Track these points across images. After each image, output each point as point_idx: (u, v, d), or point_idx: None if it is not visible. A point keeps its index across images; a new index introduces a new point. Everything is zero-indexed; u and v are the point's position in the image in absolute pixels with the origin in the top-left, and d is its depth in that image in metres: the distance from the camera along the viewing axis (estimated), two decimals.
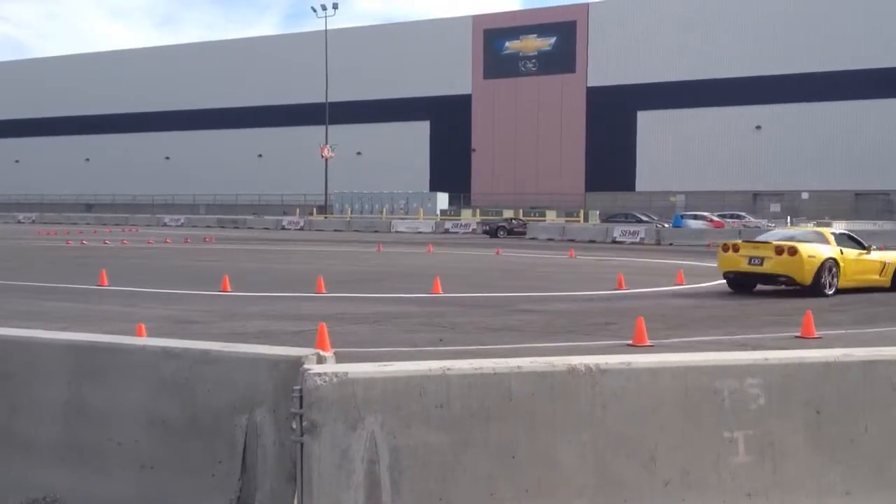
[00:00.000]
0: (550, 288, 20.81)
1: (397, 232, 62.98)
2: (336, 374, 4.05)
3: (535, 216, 65.86)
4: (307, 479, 4.04)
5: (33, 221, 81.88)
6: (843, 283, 18.87)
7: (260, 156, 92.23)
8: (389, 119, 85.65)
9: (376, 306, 16.56)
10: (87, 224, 76.67)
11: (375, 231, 62.88)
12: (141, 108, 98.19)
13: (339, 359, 4.54)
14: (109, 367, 4.87)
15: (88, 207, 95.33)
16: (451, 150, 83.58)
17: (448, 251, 38.49)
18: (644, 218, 56.68)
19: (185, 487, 4.59)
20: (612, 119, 76.50)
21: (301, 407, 4.05)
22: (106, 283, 19.75)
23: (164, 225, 75.29)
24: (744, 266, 19.17)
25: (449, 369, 4.15)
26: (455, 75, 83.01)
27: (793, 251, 18.44)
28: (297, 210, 78.44)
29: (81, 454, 4.89)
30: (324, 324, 11.10)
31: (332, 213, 76.51)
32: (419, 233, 61.92)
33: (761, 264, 18.83)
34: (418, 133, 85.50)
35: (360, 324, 13.93)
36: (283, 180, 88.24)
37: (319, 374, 4.05)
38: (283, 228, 68.34)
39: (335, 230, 65.09)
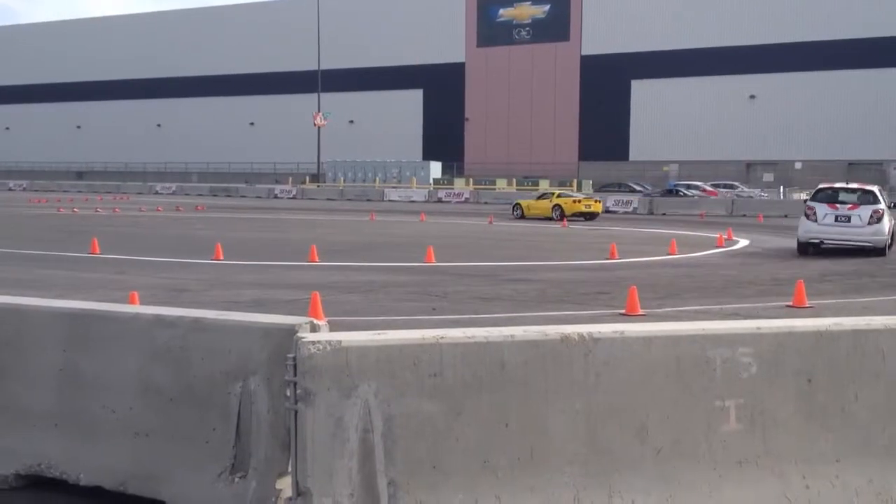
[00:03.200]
0: (543, 257, 20.83)
1: (390, 201, 62.85)
2: (330, 343, 4.06)
3: (528, 185, 65.73)
4: (301, 446, 4.06)
5: (24, 189, 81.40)
6: None
7: (252, 124, 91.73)
8: (382, 87, 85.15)
9: (369, 275, 16.57)
10: (79, 192, 76.26)
11: (368, 200, 62.73)
12: (132, 74, 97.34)
13: (333, 328, 4.54)
14: (103, 334, 4.88)
15: (80, 175, 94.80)
16: (444, 119, 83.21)
17: (441, 220, 38.46)
18: (637, 187, 56.64)
19: (179, 455, 4.62)
20: (606, 88, 76.17)
21: (295, 375, 4.06)
22: (98, 252, 19.70)
23: (156, 193, 74.90)
24: None
25: (442, 338, 4.16)
26: (448, 43, 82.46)
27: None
28: (290, 179, 78.13)
29: (75, 422, 4.90)
30: (317, 293, 11.11)
31: (324, 182, 76.24)
32: (412, 202, 61.81)
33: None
34: (411, 101, 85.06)
35: (353, 293, 13.95)
36: (276, 149, 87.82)
37: (313, 343, 4.05)
38: (276, 197, 68.09)
39: (328, 199, 64.91)
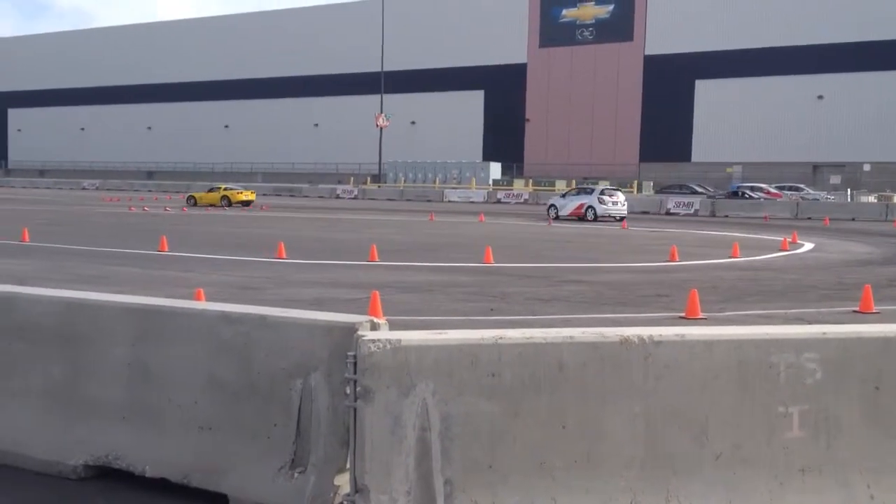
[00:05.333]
0: (601, 259, 20.68)
1: (450, 201, 62.99)
2: (389, 341, 4.10)
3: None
4: (360, 443, 4.12)
5: (97, 188, 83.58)
6: None
7: (316, 125, 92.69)
8: (444, 88, 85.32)
9: (428, 275, 16.64)
10: (149, 191, 78.04)
11: (428, 200, 62.95)
12: (202, 76, 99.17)
13: (392, 327, 4.59)
14: (171, 330, 5.00)
15: (150, 175, 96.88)
16: (504, 120, 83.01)
17: (500, 221, 38.41)
18: (699, 189, 55.79)
19: (242, 449, 4.71)
20: (670, 88, 75.16)
21: (355, 373, 4.12)
22: (166, 249, 20.15)
23: None
24: None
25: (501, 338, 4.17)
26: (510, 44, 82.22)
27: None
28: (352, 179, 78.79)
29: (142, 414, 5.03)
30: (376, 292, 11.20)
31: (385, 183, 76.74)
32: (471, 202, 61.86)
33: None
34: (472, 102, 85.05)
35: (411, 292, 14.03)
36: (339, 149, 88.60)
37: (373, 341, 4.10)
38: (338, 197, 68.79)
39: (388, 199, 65.32)
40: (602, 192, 38.24)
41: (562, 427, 4.18)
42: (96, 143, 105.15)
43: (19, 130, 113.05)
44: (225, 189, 50.37)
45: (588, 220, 36.92)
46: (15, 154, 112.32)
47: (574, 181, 67.73)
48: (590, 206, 37.46)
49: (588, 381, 4.20)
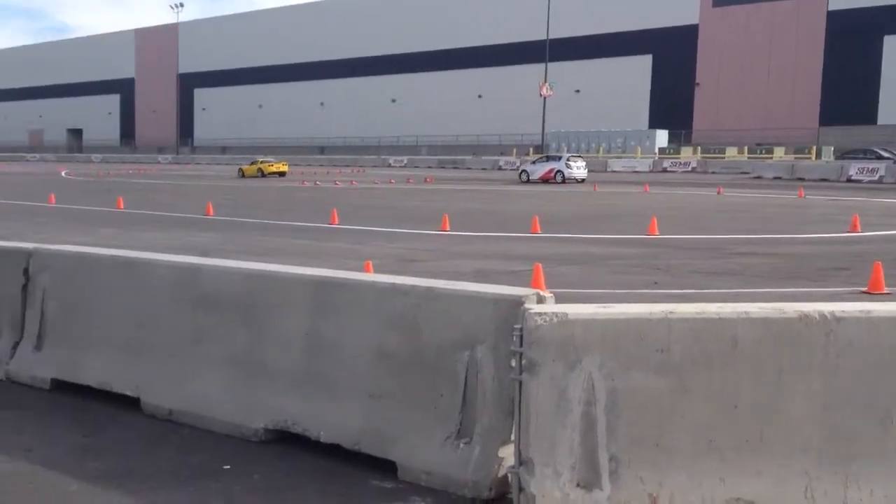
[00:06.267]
0: (775, 230, 19.79)
1: (613, 171, 61.93)
2: (556, 315, 4.09)
3: (761, 153, 62.46)
4: (525, 416, 4.14)
5: None
6: None
7: (480, 96, 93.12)
8: (609, 55, 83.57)
9: (590, 247, 16.47)
10: (321, 165, 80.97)
11: (591, 170, 61.97)
12: (369, 52, 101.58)
13: (555, 300, 4.57)
14: (343, 300, 5.19)
15: (321, 150, 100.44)
16: (672, 86, 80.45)
17: (665, 191, 37.44)
18: (885, 154, 52.25)
19: (409, 418, 4.84)
20: (854, 46, 70.45)
21: (521, 346, 4.13)
22: (336, 222, 20.88)
23: (389, 166, 78.15)
24: None
25: (671, 313, 4.08)
26: (681, 5, 79.42)
27: None
28: (514, 150, 78.79)
29: (317, 382, 5.26)
30: (539, 264, 11.19)
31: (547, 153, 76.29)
32: (636, 172, 60.58)
33: None
34: (639, 68, 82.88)
35: (572, 265, 13.93)
36: (502, 120, 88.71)
37: (540, 314, 4.10)
38: (500, 169, 68.98)
39: None
40: (569, 159, 46.26)
41: (733, 406, 4.05)
42: (272, 120, 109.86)
43: (204, 109, 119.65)
44: (260, 162, 57.79)
45: (556, 182, 44.04)
46: (200, 132, 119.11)
47: (746, 148, 65.03)
48: (558, 171, 44.96)
49: (763, 358, 4.05)
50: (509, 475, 4.27)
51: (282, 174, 55.81)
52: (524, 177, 46.56)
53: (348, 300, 5.18)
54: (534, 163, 48.42)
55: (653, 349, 4.05)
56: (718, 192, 34.75)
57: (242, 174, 56.58)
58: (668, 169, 61.04)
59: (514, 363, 4.19)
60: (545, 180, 44.83)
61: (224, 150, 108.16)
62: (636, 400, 4.05)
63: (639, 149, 69.73)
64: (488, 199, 32.12)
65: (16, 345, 6.91)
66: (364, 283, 5.24)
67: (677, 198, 33.03)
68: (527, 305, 4.30)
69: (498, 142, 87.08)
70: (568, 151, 73.92)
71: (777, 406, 4.05)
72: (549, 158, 48.15)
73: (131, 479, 4.79)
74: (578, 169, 45.26)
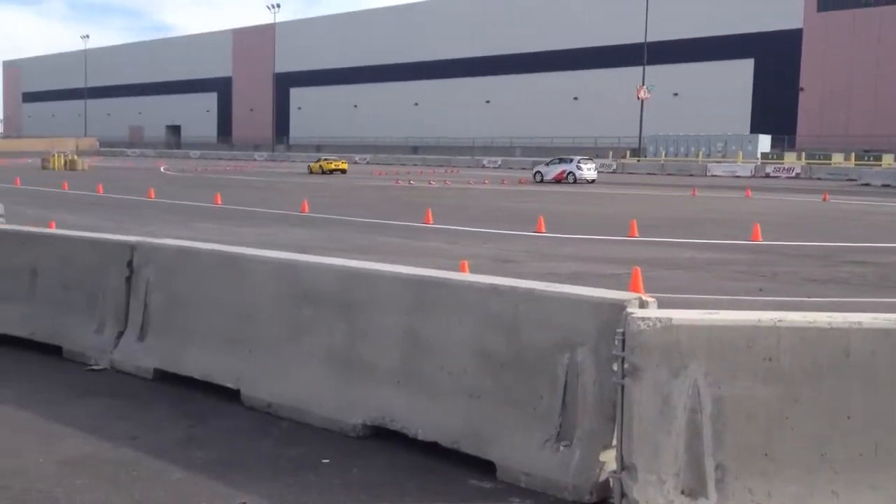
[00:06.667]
0: (885, 238, 19.02)
1: (713, 176, 60.57)
2: (660, 320, 4.01)
3: (868, 160, 60.16)
4: (627, 421, 4.07)
5: (367, 163, 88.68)
6: None
7: (575, 98, 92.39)
8: (710, 58, 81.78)
9: (691, 252, 16.13)
10: (414, 165, 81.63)
11: (690, 175, 60.90)
12: (464, 53, 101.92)
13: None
14: (441, 300, 5.19)
15: (415, 150, 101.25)
16: (775, 90, 78.23)
17: (768, 196, 36.42)
18: None
19: (508, 419, 4.81)
20: None
21: (623, 350, 4.07)
22: (431, 222, 20.99)
23: (483, 166, 78.24)
24: None
25: (780, 321, 3.95)
26: (784, 9, 77.18)
27: None
28: (610, 153, 77.86)
29: (415, 380, 5.27)
30: (638, 268, 11.02)
31: (645, 157, 75.12)
32: (737, 177, 59.11)
33: None
34: (740, 72, 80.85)
35: (674, 269, 13.66)
36: (597, 123, 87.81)
37: (643, 319, 4.03)
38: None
39: (648, 173, 63.95)
40: (579, 161, 48.93)
41: (846, 417, 3.90)
42: (367, 120, 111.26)
43: (299, 108, 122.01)
44: (323, 160, 62.97)
45: (568, 183, 46.85)
46: (295, 131, 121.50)
47: (853, 154, 62.82)
48: (570, 172, 47.79)
49: (878, 369, 3.89)
50: (611, 480, 4.21)
51: (342, 171, 60.03)
52: (538, 177, 49.21)
53: (447, 300, 5.18)
54: (547, 164, 50.96)
55: (761, 357, 3.94)
56: (824, 199, 33.63)
57: (310, 171, 60.62)
58: (771, 174, 59.42)
59: (615, 367, 4.13)
60: (557, 181, 47.71)
61: (318, 148, 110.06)
62: (743, 408, 3.94)
63: (740, 153, 68.04)
64: (584, 201, 31.82)
65: (119, 335, 7.14)
66: (463, 283, 5.24)
67: (781, 203, 32.10)
68: (629, 310, 4.23)
69: (593, 144, 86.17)
70: (665, 155, 72.99)
71: (893, 418, 3.88)
72: (561, 161, 50.60)
73: (233, 470, 4.89)
74: (589, 170, 48.05)
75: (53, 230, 10.08)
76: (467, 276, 5.72)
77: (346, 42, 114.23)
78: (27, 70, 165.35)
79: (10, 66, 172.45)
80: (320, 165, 60.72)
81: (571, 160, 49.49)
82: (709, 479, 3.93)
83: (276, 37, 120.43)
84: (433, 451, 5.02)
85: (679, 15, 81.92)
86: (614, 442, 4.25)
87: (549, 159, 53.34)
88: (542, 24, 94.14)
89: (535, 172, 50.57)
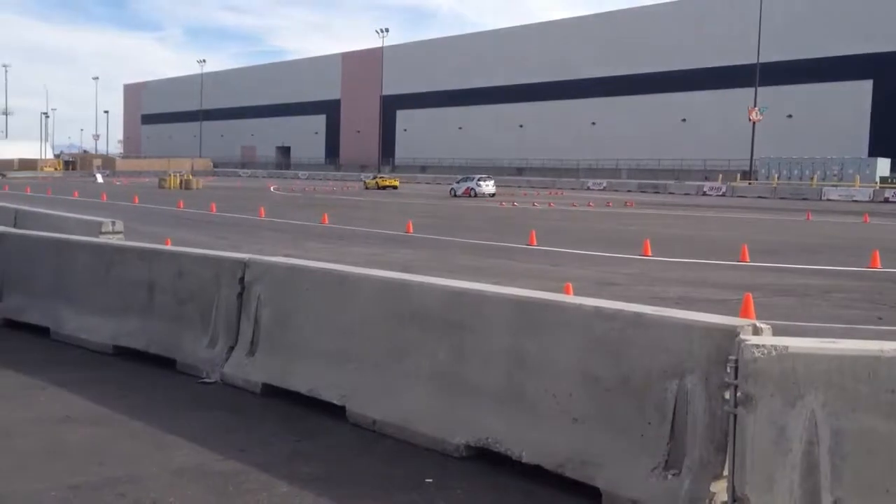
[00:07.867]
0: None
1: (828, 200, 58.46)
2: (775, 347, 3.87)
3: None
4: (740, 451, 3.93)
5: None
6: None
7: (683, 120, 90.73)
8: (825, 79, 79.12)
9: (805, 278, 15.58)
10: (518, 186, 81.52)
11: (804, 199, 58.93)
12: (567, 76, 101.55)
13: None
14: (546, 322, 5.14)
15: (519, 171, 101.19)
16: (895, 112, 75.10)
17: (888, 222, 34.89)
18: None
19: (613, 445, 4.71)
20: None
21: (736, 378, 3.94)
22: (534, 243, 20.91)
23: (588, 189, 77.54)
24: None
25: None
26: None
27: None
28: (720, 176, 76.03)
29: (519, 402, 5.23)
30: (749, 294, 10.70)
31: (756, 180, 73.08)
32: (854, 201, 56.90)
33: None
34: (858, 93, 77.91)
35: (786, 296, 13.21)
36: (707, 145, 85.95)
37: (757, 346, 3.89)
38: (704, 194, 66.81)
39: (758, 197, 62.18)
40: (479, 180, 58.04)
41: None
42: (471, 141, 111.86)
43: (405, 130, 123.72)
44: (378, 177, 73.63)
45: (472, 197, 54.29)
46: (400, 152, 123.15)
47: None
48: (472, 188, 56.40)
49: None
50: None
51: (394, 188, 68.32)
52: (452, 192, 57.73)
53: (552, 322, 5.13)
54: (458, 182, 60.11)
55: (883, 389, 3.75)
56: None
57: (366, 186, 69.43)
58: (890, 199, 56.99)
59: (728, 396, 4.00)
60: (467, 195, 55.70)
61: (423, 168, 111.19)
62: (864, 443, 3.75)
63: (857, 177, 65.52)
64: (691, 225, 31.16)
65: (230, 349, 7.33)
66: (569, 306, 5.18)
67: None
68: (742, 336, 4.10)
69: (702, 167, 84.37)
70: (778, 178, 70.84)
71: None
72: (466, 179, 60.32)
73: (338, 486, 4.94)
74: (487, 186, 56.66)
75: (170, 247, 10.47)
76: (573, 298, 5.67)
77: (451, 65, 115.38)
78: (147, 93, 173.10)
79: (130, 89, 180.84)
80: (376, 182, 69.82)
81: (473, 178, 59.48)
82: None
83: (384, 60, 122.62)
84: (536, 474, 4.96)
85: (793, 35, 79.64)
86: (725, 472, 4.11)
87: (460, 177, 64.83)
88: (649, 46, 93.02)
89: (451, 189, 59.39)
